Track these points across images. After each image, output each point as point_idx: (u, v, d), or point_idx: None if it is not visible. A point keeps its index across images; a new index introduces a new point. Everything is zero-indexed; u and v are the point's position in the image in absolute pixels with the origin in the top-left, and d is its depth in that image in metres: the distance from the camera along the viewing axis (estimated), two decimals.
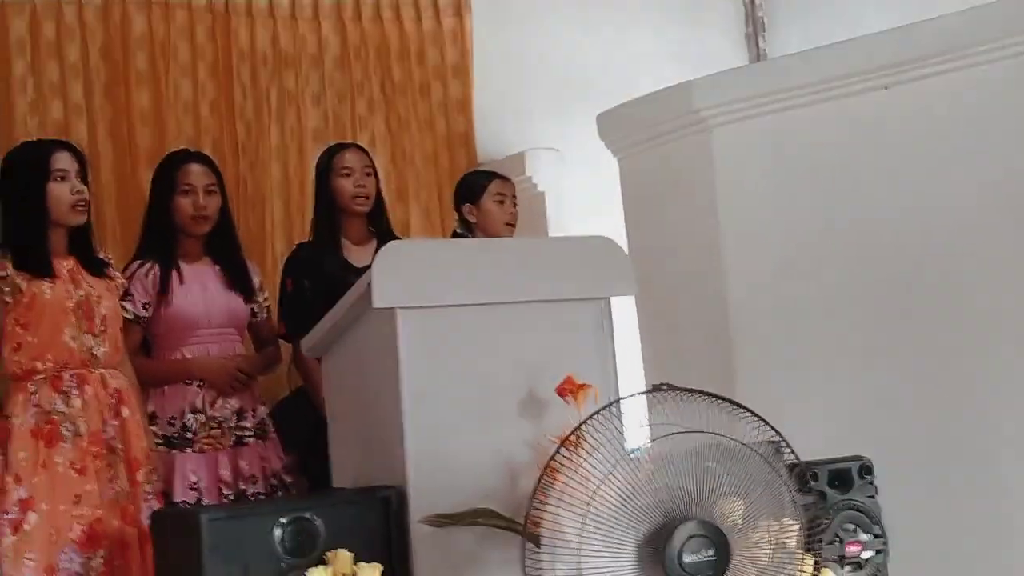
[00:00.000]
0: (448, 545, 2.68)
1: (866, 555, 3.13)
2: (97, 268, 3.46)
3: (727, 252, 3.76)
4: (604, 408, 2.35)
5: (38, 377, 3.31)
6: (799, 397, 3.51)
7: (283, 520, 2.64)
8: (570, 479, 2.28)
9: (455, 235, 4.28)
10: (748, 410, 2.37)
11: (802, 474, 2.40)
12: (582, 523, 2.22)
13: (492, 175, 4.30)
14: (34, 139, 3.63)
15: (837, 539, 2.97)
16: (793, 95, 3.69)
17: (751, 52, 5.76)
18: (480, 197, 4.23)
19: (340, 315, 3.01)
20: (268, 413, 3.85)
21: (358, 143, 4.25)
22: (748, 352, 3.69)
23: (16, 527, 3.19)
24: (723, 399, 2.36)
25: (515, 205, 4.27)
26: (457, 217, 4.31)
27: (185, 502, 3.55)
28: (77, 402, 3.31)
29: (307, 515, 2.66)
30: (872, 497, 3.04)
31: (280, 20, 4.82)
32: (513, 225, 4.26)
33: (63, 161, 3.37)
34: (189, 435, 3.64)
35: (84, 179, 3.41)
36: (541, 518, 2.28)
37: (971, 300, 3.41)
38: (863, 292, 3.57)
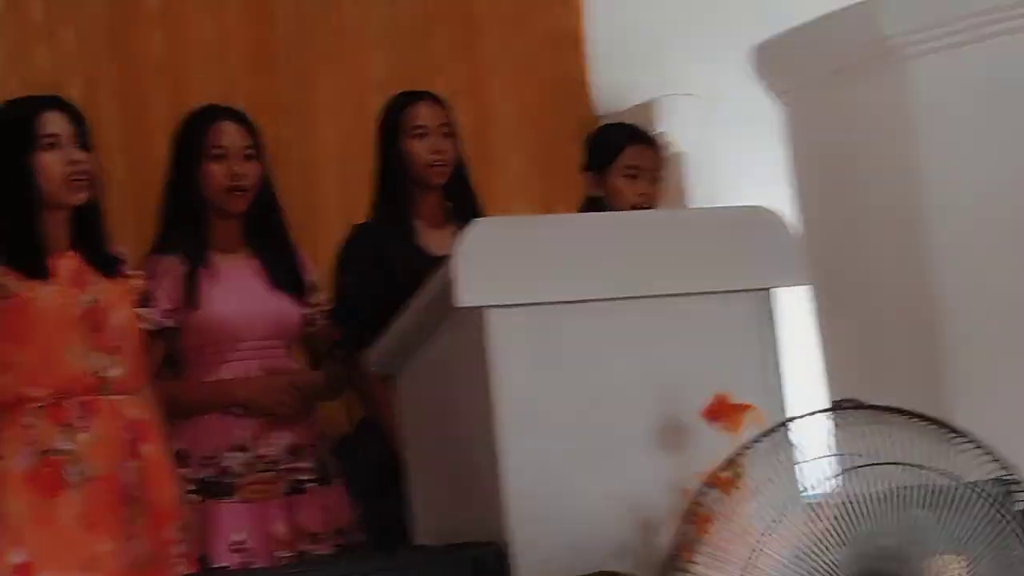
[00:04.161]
0: None
1: None
2: (108, 266, 3.47)
3: (934, 223, 3.77)
4: (768, 434, 2.36)
5: (33, 407, 3.31)
6: None
7: None
8: (724, 530, 2.29)
9: (585, 206, 4.22)
10: (966, 436, 2.35)
11: None
12: None
13: (632, 136, 4.22)
14: (16, 98, 3.60)
15: None
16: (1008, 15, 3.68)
17: None
18: (608, 166, 4.16)
19: (414, 318, 3.02)
20: (330, 449, 3.88)
21: (434, 93, 4.19)
22: (965, 356, 3.69)
23: None
24: (931, 420, 2.33)
25: (656, 181, 4.20)
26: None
27: (226, 567, 3.53)
28: (84, 437, 3.31)
29: None
30: None
31: None
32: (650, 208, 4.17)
33: (53, 123, 3.37)
34: (231, 479, 3.68)
35: (84, 145, 3.40)
36: None
37: None
38: None
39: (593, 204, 4.18)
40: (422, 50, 4.94)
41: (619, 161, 4.15)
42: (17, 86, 4.22)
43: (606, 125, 4.50)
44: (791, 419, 2.42)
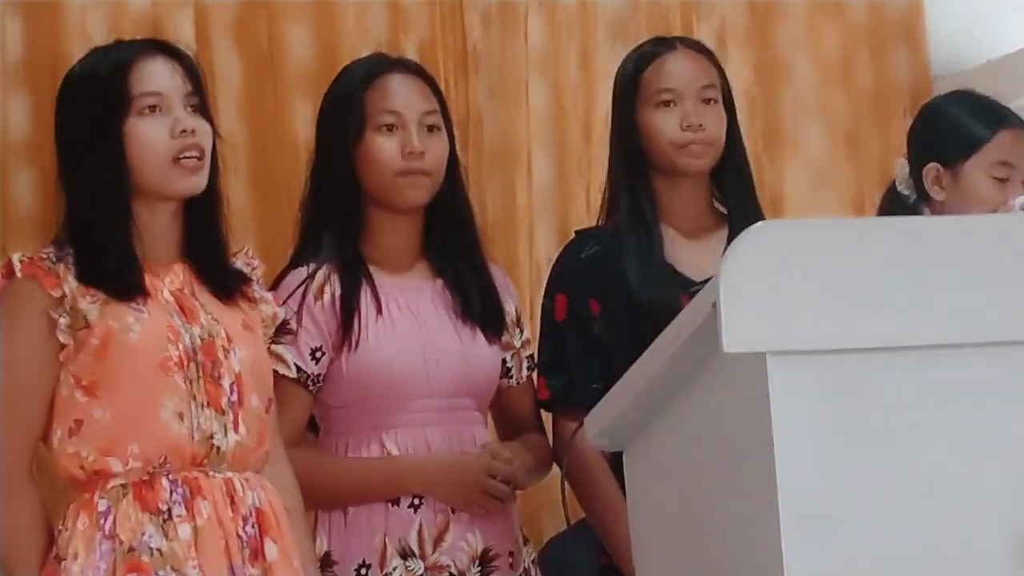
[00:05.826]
0: None
1: None
2: (228, 284, 3.47)
3: None
4: None
5: (113, 485, 3.29)
6: None
7: None
8: None
9: (890, 210, 4.21)
10: None
11: None
12: None
13: (1001, 116, 4.13)
14: (108, 43, 3.58)
15: None
16: None
17: None
18: (966, 157, 4.08)
19: (656, 371, 2.93)
20: (534, 560, 3.90)
21: (692, 41, 4.24)
22: None
23: None
24: None
25: None
26: (910, 179, 4.19)
27: None
28: (185, 531, 3.28)
29: None
30: None
31: None
32: None
33: (155, 77, 3.35)
34: None
35: (200, 109, 3.40)
36: None
37: None
38: None
39: (923, 199, 4.14)
40: None
41: (985, 155, 4.06)
42: (103, 27, 4.28)
43: (948, 98, 4.37)
44: None
